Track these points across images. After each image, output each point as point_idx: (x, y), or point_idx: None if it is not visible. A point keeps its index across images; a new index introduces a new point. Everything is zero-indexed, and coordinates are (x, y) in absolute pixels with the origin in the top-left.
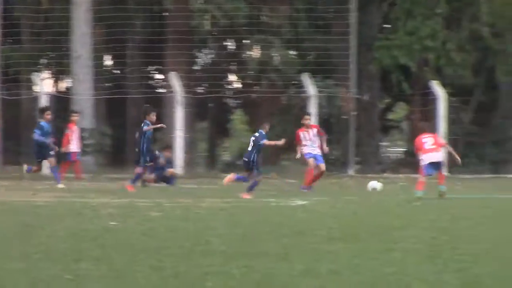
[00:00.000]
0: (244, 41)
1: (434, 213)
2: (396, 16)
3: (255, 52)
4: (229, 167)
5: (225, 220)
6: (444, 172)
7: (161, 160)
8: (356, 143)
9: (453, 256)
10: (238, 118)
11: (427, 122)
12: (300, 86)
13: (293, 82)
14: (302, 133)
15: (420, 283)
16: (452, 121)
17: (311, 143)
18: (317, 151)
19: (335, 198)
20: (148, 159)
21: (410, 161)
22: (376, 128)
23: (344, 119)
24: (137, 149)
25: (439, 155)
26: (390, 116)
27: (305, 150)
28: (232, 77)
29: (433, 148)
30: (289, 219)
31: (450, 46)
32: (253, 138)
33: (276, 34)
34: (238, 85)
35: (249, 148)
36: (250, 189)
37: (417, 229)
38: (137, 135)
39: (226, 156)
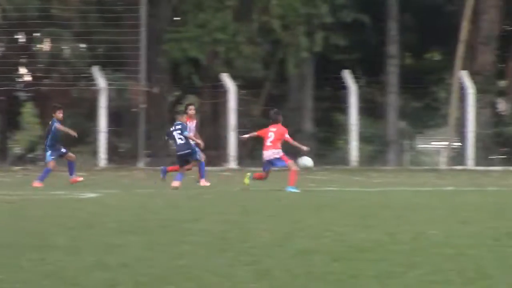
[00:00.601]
0: (34, 34)
1: (224, 206)
2: (186, 9)
3: (46, 45)
4: (19, 160)
5: (15, 213)
6: (282, 165)
7: None
8: (146, 136)
9: (244, 249)
10: (28, 111)
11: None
12: (90, 79)
13: (83, 75)
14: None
15: (211, 276)
16: (242, 114)
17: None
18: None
19: (125, 190)
20: (54, 153)
21: None
22: (166, 121)
23: (134, 112)
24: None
25: (270, 153)
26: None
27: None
28: (22, 70)
29: (268, 145)
30: (79, 211)
31: (240, 38)
32: (178, 131)
33: (67, 27)
34: (29, 78)
35: (181, 142)
36: (202, 175)
37: (207, 222)
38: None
39: (17, 149)
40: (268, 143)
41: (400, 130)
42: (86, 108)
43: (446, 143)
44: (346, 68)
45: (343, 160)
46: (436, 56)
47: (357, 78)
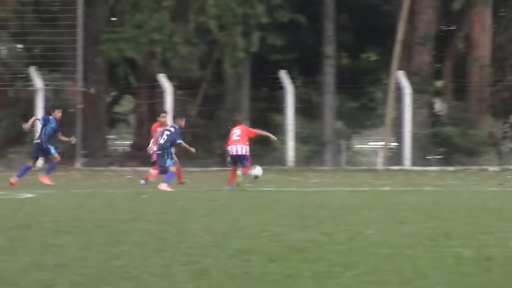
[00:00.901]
0: None
1: (161, 206)
2: (123, 9)
3: None
4: None
5: None
6: (246, 164)
7: None
8: (83, 136)
9: (181, 249)
10: None
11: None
12: (27, 79)
13: (20, 75)
14: (159, 130)
15: (148, 276)
16: (179, 114)
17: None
18: None
19: (62, 191)
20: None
21: (137, 154)
22: (103, 121)
23: (71, 112)
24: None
25: (239, 148)
26: (117, 109)
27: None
28: None
29: (236, 140)
30: (16, 212)
31: (177, 39)
32: (167, 132)
33: (3, 27)
34: None
35: (161, 141)
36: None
37: (144, 222)
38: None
39: None
40: (235, 137)
41: (336, 130)
42: (23, 108)
43: (383, 143)
44: (282, 68)
45: (280, 160)
46: (373, 56)
47: (293, 78)
